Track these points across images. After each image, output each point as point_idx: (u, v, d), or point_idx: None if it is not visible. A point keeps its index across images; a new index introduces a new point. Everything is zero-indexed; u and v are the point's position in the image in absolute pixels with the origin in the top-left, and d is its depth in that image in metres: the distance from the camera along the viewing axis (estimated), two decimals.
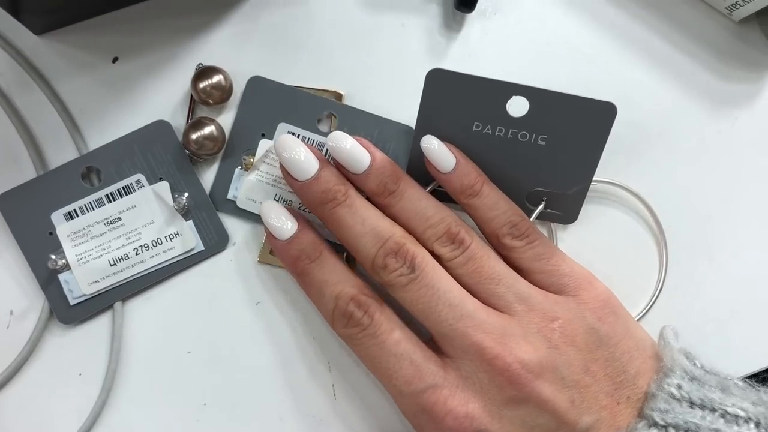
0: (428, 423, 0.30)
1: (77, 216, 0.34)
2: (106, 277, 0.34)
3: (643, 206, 0.36)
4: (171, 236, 0.34)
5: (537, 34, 0.37)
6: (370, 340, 0.31)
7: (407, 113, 0.36)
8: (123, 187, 0.34)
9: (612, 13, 0.37)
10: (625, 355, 0.31)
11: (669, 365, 0.31)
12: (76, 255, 0.34)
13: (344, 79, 0.36)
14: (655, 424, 0.29)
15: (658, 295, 0.36)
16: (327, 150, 0.33)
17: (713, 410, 0.30)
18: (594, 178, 0.34)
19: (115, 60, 0.36)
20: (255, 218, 0.35)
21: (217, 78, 0.35)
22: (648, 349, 0.32)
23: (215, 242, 0.35)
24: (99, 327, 0.35)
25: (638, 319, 0.36)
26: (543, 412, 0.30)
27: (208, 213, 0.35)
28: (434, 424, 0.30)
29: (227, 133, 0.35)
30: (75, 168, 0.34)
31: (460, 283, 0.31)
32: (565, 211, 0.35)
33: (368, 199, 0.33)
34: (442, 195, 0.34)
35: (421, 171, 0.34)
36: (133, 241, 0.34)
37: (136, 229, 0.34)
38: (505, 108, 0.32)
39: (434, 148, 0.33)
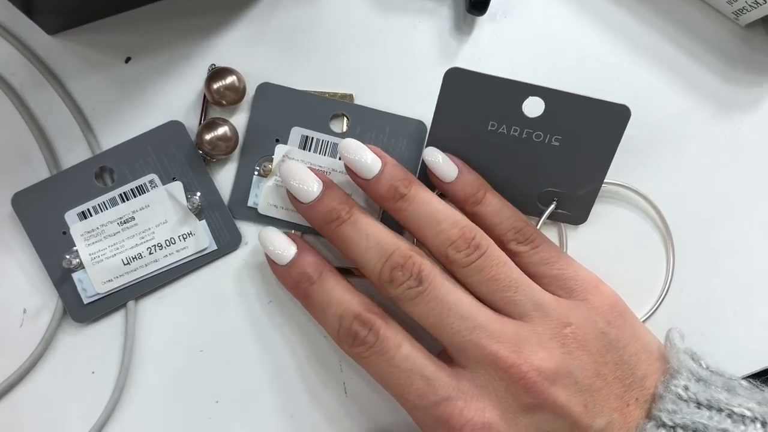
0: None
1: (91, 215, 0.34)
2: (120, 276, 0.34)
3: (650, 208, 0.37)
4: (184, 236, 0.35)
5: (547, 38, 0.38)
6: (378, 357, 0.30)
7: (418, 113, 0.36)
8: (136, 187, 0.35)
9: (620, 17, 0.38)
10: (633, 358, 0.32)
11: (675, 367, 0.31)
12: (90, 254, 0.34)
13: (355, 80, 0.37)
14: (664, 425, 0.30)
15: (665, 296, 0.36)
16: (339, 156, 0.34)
17: (720, 410, 0.30)
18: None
19: (127, 60, 0.36)
20: (275, 223, 0.35)
21: (230, 79, 0.35)
22: (654, 352, 0.33)
23: (228, 242, 0.35)
24: (112, 326, 0.35)
25: (645, 320, 0.36)
26: (558, 417, 0.30)
27: (221, 213, 0.35)
28: None
29: (240, 134, 0.36)
30: (88, 167, 0.35)
31: (474, 290, 0.31)
32: (576, 211, 0.35)
33: (380, 206, 0.34)
34: None
35: None
36: (147, 241, 0.34)
37: (149, 229, 0.34)
38: (521, 108, 0.33)
39: (438, 161, 0.33)
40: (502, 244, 0.33)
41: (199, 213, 0.35)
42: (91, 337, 0.35)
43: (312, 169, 0.33)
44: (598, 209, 0.36)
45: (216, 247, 0.35)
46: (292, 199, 0.33)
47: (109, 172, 0.35)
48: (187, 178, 0.35)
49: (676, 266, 0.37)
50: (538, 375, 0.30)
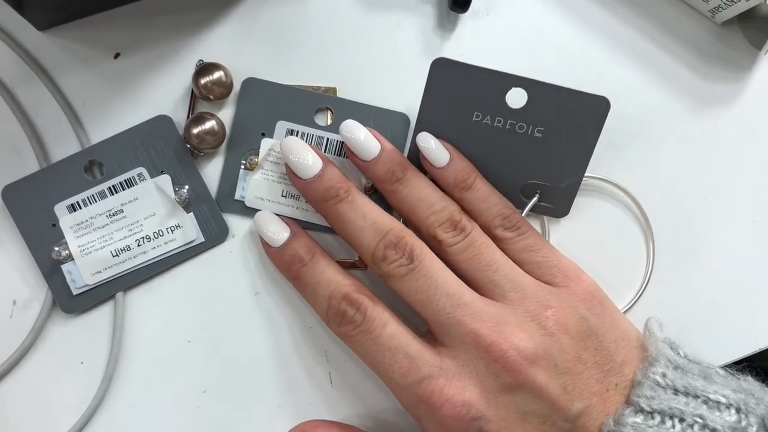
0: (427, 413, 0.31)
1: (80, 208, 0.35)
2: (109, 267, 0.35)
3: (630, 201, 0.37)
4: (172, 228, 0.35)
5: (527, 34, 0.38)
6: (364, 336, 0.31)
7: (401, 107, 0.37)
8: (125, 180, 0.35)
9: (600, 15, 0.39)
10: (612, 345, 0.32)
11: (654, 355, 0.32)
12: (79, 246, 0.35)
13: (340, 75, 0.37)
14: (642, 410, 0.31)
15: (645, 287, 0.37)
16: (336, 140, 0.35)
17: (696, 397, 0.31)
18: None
19: (116, 55, 0.37)
20: None
21: (218, 74, 0.35)
22: (633, 340, 0.33)
23: (215, 234, 0.36)
24: (101, 316, 0.36)
25: (625, 311, 0.37)
26: (537, 398, 0.31)
27: (209, 206, 0.36)
28: (432, 414, 0.31)
29: (227, 128, 0.36)
30: (78, 161, 0.35)
31: (458, 270, 0.33)
32: (558, 204, 0.36)
33: (374, 187, 0.35)
34: None
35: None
36: (135, 233, 0.35)
37: (137, 221, 0.35)
38: (504, 99, 0.33)
39: (431, 146, 0.34)
40: (488, 230, 0.34)
41: (186, 206, 0.35)
42: (80, 328, 0.35)
43: (311, 147, 0.34)
44: (579, 202, 0.37)
45: (203, 240, 0.36)
46: (291, 174, 0.34)
47: (98, 166, 0.36)
48: (175, 171, 0.36)
49: (656, 258, 0.38)
50: (518, 354, 0.30)
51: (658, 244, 0.38)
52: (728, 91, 0.39)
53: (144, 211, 0.35)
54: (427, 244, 0.33)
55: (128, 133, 0.36)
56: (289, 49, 0.37)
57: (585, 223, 0.38)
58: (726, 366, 0.35)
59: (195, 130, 0.35)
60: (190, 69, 0.37)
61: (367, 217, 0.33)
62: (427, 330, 0.33)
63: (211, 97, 0.36)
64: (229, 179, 0.36)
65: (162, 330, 0.36)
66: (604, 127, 0.34)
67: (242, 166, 0.36)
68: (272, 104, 0.36)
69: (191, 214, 0.36)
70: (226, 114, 0.37)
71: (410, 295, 0.32)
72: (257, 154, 0.36)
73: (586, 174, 0.35)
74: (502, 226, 0.34)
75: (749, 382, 0.32)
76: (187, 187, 0.35)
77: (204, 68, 0.36)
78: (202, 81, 0.35)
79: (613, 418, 0.31)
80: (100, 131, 0.36)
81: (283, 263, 0.34)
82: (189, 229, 0.35)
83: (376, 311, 0.32)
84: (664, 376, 0.31)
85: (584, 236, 0.37)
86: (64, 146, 0.36)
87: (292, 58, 0.37)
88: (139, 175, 0.35)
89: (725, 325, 0.38)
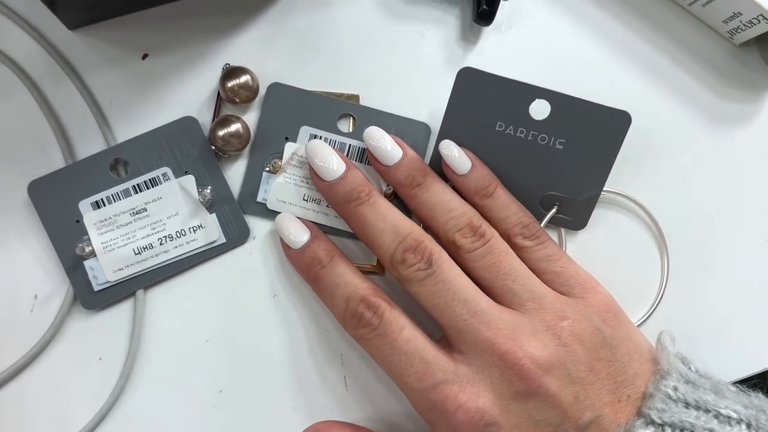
0: (440, 418, 0.31)
1: (104, 205, 0.35)
2: (130, 265, 0.35)
3: (646, 216, 0.38)
4: (194, 228, 0.36)
5: (548, 49, 0.39)
6: (380, 339, 0.32)
7: (423, 115, 0.37)
8: (150, 179, 0.36)
9: (620, 32, 0.39)
10: (626, 357, 0.33)
11: (666, 368, 0.33)
12: (102, 243, 0.35)
13: (363, 83, 0.38)
14: (653, 422, 0.31)
15: (659, 302, 0.38)
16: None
17: (707, 411, 0.31)
18: None
19: (144, 56, 0.37)
20: None
21: (244, 78, 0.36)
22: (646, 353, 0.34)
23: (236, 235, 0.36)
24: (121, 313, 0.36)
25: (639, 325, 0.37)
26: (549, 406, 0.31)
27: (231, 207, 0.36)
28: (446, 419, 0.31)
29: (251, 132, 0.37)
30: (104, 159, 0.36)
31: (475, 276, 0.33)
32: (576, 216, 0.37)
33: (395, 193, 0.36)
34: None
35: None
36: (158, 232, 0.35)
37: (160, 220, 0.35)
38: (528, 110, 0.34)
39: (453, 154, 0.35)
40: (508, 238, 0.34)
41: (209, 206, 0.36)
42: (99, 324, 0.36)
43: (336, 151, 0.34)
44: (595, 216, 0.37)
45: (225, 240, 0.36)
46: (314, 177, 0.34)
47: (123, 164, 0.36)
48: (199, 172, 0.36)
49: (670, 273, 0.38)
50: (532, 363, 0.31)
51: (673, 259, 0.38)
52: (745, 111, 0.39)
53: (167, 211, 0.36)
54: (446, 250, 0.33)
55: (154, 133, 0.36)
56: (315, 56, 0.38)
57: (601, 237, 0.38)
58: (737, 383, 0.35)
59: (220, 132, 0.36)
60: (216, 72, 0.37)
61: (387, 220, 0.33)
62: (442, 336, 0.34)
63: (237, 100, 0.36)
64: (252, 181, 0.37)
65: (180, 329, 0.36)
66: None
67: (265, 169, 0.37)
68: (296, 109, 0.37)
69: (213, 214, 0.36)
70: (251, 117, 0.37)
71: (427, 299, 0.32)
72: (280, 158, 0.36)
73: (604, 189, 0.36)
74: (522, 235, 0.34)
75: (760, 399, 0.33)
76: (210, 188, 0.36)
77: (231, 72, 0.36)
78: (229, 84, 0.36)
79: (624, 429, 0.31)
80: (126, 130, 0.37)
81: (302, 265, 0.35)
82: (211, 230, 0.36)
83: (393, 315, 0.32)
84: (675, 389, 0.32)
85: (600, 249, 0.38)
86: (90, 144, 0.36)
87: (317, 65, 0.38)
88: (164, 174, 0.36)
89: (737, 341, 0.38)
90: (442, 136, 0.35)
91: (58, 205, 0.35)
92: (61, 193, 0.35)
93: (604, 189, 0.36)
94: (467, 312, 0.32)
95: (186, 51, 0.37)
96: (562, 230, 0.37)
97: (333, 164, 0.34)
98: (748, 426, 0.31)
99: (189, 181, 0.36)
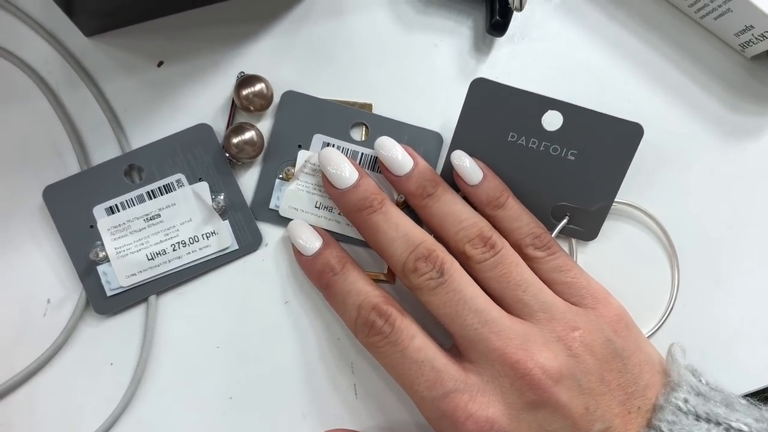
0: (450, 427, 0.31)
1: (118, 211, 0.36)
2: (143, 270, 0.35)
3: (657, 228, 0.38)
4: (207, 234, 0.36)
5: (561, 60, 0.39)
6: (391, 347, 0.32)
7: (435, 125, 0.38)
8: (164, 186, 0.36)
9: (633, 45, 0.39)
10: (636, 368, 0.33)
11: (676, 380, 0.32)
12: (116, 248, 0.35)
13: (376, 92, 0.38)
14: None
15: (669, 314, 0.38)
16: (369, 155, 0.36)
17: (718, 424, 0.31)
18: None
19: (160, 64, 0.38)
20: None
21: (259, 86, 0.36)
22: (657, 365, 0.34)
23: (249, 242, 0.36)
24: (133, 319, 0.36)
25: (649, 336, 0.37)
26: (559, 416, 0.31)
27: (244, 214, 0.36)
28: (456, 428, 0.31)
29: (265, 139, 0.37)
30: (118, 165, 0.36)
31: (486, 287, 0.33)
32: (587, 227, 0.37)
33: (405, 202, 0.36)
34: None
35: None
36: (171, 238, 0.36)
37: (174, 226, 0.36)
38: (540, 121, 0.34)
39: (465, 164, 0.35)
40: (519, 248, 0.34)
41: (222, 213, 0.36)
42: (111, 329, 0.36)
43: (349, 159, 0.35)
44: (606, 227, 0.37)
45: (237, 247, 0.36)
46: (327, 184, 0.35)
47: (137, 170, 0.36)
48: (213, 179, 0.36)
49: (681, 285, 0.38)
50: (543, 373, 0.31)
51: (683, 270, 0.38)
52: (756, 124, 0.39)
53: (181, 217, 0.36)
54: (457, 261, 0.33)
55: (168, 140, 0.36)
56: (329, 65, 0.38)
57: (612, 248, 0.38)
58: (749, 395, 0.35)
59: (234, 140, 0.36)
60: (231, 80, 0.37)
61: (399, 228, 0.33)
62: (452, 345, 0.34)
63: (252, 108, 0.36)
64: (265, 189, 0.37)
65: (192, 335, 0.36)
66: None
67: (278, 177, 0.37)
68: (310, 117, 0.37)
69: (226, 221, 0.36)
70: (265, 125, 0.37)
71: (438, 308, 0.32)
72: (293, 165, 0.37)
73: (615, 200, 0.36)
74: (533, 245, 0.34)
75: None
76: (223, 194, 0.36)
77: (246, 80, 0.36)
78: (244, 92, 0.36)
79: None
80: (141, 137, 0.37)
81: (314, 272, 0.35)
82: (224, 236, 0.36)
83: (404, 323, 0.32)
84: (686, 401, 0.31)
85: (611, 260, 0.38)
86: (105, 150, 0.37)
87: (331, 74, 0.38)
88: (178, 181, 0.36)
89: (748, 354, 0.38)
90: (454, 146, 0.35)
91: (72, 211, 0.35)
92: (75, 199, 0.35)
93: (615, 200, 0.36)
94: (478, 321, 0.32)
95: (201, 59, 0.38)
96: (573, 241, 0.38)
97: (345, 172, 0.34)
98: None
99: (203, 187, 0.36)
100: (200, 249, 0.36)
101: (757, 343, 0.38)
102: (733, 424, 0.31)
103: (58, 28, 0.37)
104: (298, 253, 0.35)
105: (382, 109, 0.38)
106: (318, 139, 0.37)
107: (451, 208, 0.34)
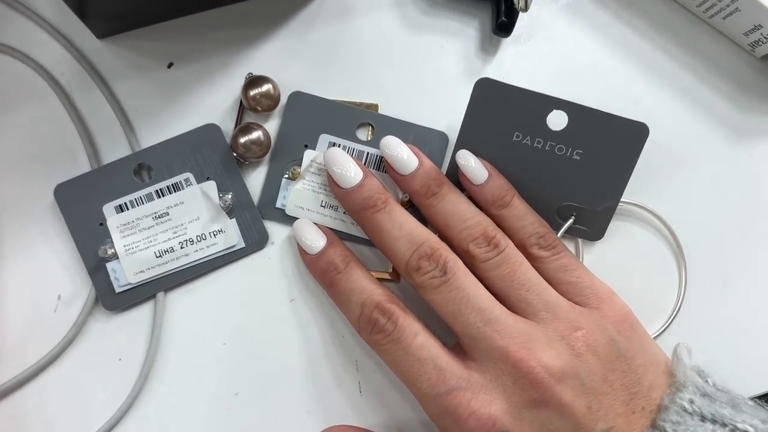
0: (452, 425, 0.31)
1: (127, 209, 0.36)
2: (151, 268, 0.36)
3: (664, 228, 0.38)
4: (215, 232, 0.36)
5: (567, 61, 0.39)
6: (394, 345, 0.32)
7: (441, 125, 0.38)
8: (172, 184, 0.36)
9: (640, 45, 0.39)
10: (641, 368, 0.33)
11: (681, 381, 0.32)
12: (125, 245, 0.36)
13: (382, 92, 0.39)
14: None
15: (676, 314, 0.37)
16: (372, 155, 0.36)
17: (723, 425, 0.31)
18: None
19: (170, 65, 0.38)
20: None
21: (266, 87, 0.37)
22: (662, 365, 0.34)
23: (255, 240, 0.37)
24: (141, 315, 0.37)
25: (655, 337, 0.37)
26: (561, 416, 0.31)
27: (251, 213, 0.37)
28: (458, 426, 0.31)
29: (272, 139, 0.37)
30: (128, 164, 0.36)
31: (490, 286, 0.33)
32: (593, 227, 0.37)
33: (410, 201, 0.36)
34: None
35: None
36: (179, 236, 0.36)
37: (182, 224, 0.36)
38: (545, 121, 0.34)
39: (470, 164, 0.35)
40: (524, 248, 0.34)
41: (230, 212, 0.37)
42: (120, 326, 0.36)
43: (353, 159, 0.35)
44: (613, 227, 0.37)
45: (244, 245, 0.37)
46: (332, 184, 0.35)
47: (147, 169, 0.37)
48: (221, 178, 0.37)
49: (688, 286, 0.38)
50: (546, 372, 0.31)
51: (690, 271, 0.38)
52: (765, 124, 0.39)
53: (189, 215, 0.36)
54: (461, 260, 0.33)
55: (177, 140, 0.37)
56: (335, 66, 0.39)
57: (618, 248, 0.38)
58: (756, 398, 0.35)
59: (242, 140, 0.36)
60: (239, 81, 0.38)
61: (403, 227, 0.33)
62: (456, 343, 0.34)
63: (259, 108, 0.37)
64: (272, 188, 0.37)
65: (199, 331, 0.37)
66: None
67: (285, 176, 0.37)
68: (316, 118, 0.38)
69: (234, 220, 0.37)
70: (272, 125, 0.38)
71: (441, 306, 0.32)
72: (299, 165, 0.37)
73: (621, 199, 0.36)
74: (538, 245, 0.34)
75: None
76: (231, 193, 0.37)
77: (253, 81, 0.37)
78: (251, 93, 0.37)
79: None
80: (151, 137, 0.38)
81: (318, 270, 0.35)
82: (231, 235, 0.36)
83: (407, 321, 0.32)
84: (691, 402, 0.31)
85: (617, 260, 0.38)
86: (115, 149, 0.37)
87: (338, 74, 0.39)
88: (186, 180, 0.36)
89: (755, 355, 0.38)
90: (459, 146, 0.36)
91: (82, 208, 0.36)
92: (86, 197, 0.36)
93: (621, 200, 0.36)
94: (481, 320, 0.32)
95: (210, 60, 0.38)
96: (579, 241, 0.37)
97: (350, 172, 0.34)
98: None
99: (210, 186, 0.37)
100: (207, 247, 0.36)
101: (765, 344, 0.38)
102: (739, 425, 0.31)
103: (71, 30, 0.38)
104: (302, 252, 0.36)
105: (388, 109, 0.38)
106: (324, 139, 0.37)
107: (456, 207, 0.34)
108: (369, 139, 0.38)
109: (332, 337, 0.37)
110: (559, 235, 0.36)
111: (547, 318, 0.32)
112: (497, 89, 0.34)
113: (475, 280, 0.33)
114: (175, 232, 0.36)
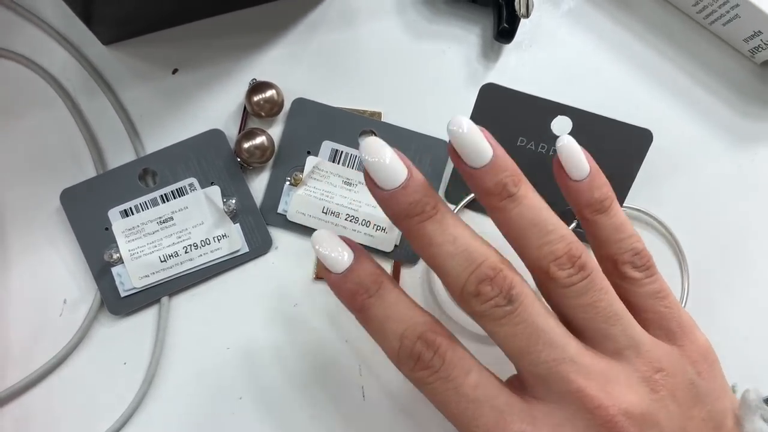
0: None
1: (132, 214, 0.36)
2: (156, 272, 0.36)
3: (666, 233, 0.38)
4: (219, 237, 0.37)
5: (569, 67, 0.40)
6: (443, 384, 0.27)
7: (443, 133, 0.38)
8: (177, 189, 0.37)
9: (642, 51, 0.40)
10: (719, 415, 0.29)
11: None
12: (129, 250, 0.36)
13: (385, 100, 0.39)
14: None
15: None
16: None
17: None
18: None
19: (174, 71, 0.39)
20: (301, 229, 0.37)
21: (270, 92, 0.37)
22: (731, 406, 0.30)
23: (259, 245, 0.37)
24: (146, 320, 0.37)
25: None
26: None
27: (255, 217, 0.37)
28: None
29: (276, 145, 0.38)
30: (133, 169, 0.37)
31: (568, 314, 0.29)
32: None
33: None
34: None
35: (464, 182, 0.36)
36: (183, 240, 0.36)
37: (186, 229, 0.36)
38: (549, 126, 0.35)
39: (573, 152, 0.30)
40: (615, 264, 0.30)
41: (234, 217, 0.37)
42: (125, 330, 0.37)
43: (395, 151, 0.28)
44: None
45: (248, 250, 0.37)
46: (369, 182, 0.28)
47: (151, 174, 0.37)
48: (225, 183, 0.37)
49: (690, 291, 0.38)
50: (627, 419, 0.27)
51: (693, 277, 0.38)
52: (766, 129, 0.39)
53: (193, 220, 0.37)
54: (534, 275, 0.29)
55: (182, 145, 0.37)
56: (338, 73, 0.39)
57: None
58: None
59: (246, 145, 0.37)
60: (243, 87, 0.38)
61: (458, 241, 0.27)
62: (513, 375, 0.30)
63: (263, 114, 0.37)
64: (274, 193, 0.38)
65: (203, 336, 0.37)
66: None
67: (287, 182, 0.38)
68: (319, 124, 0.38)
69: (237, 224, 0.37)
70: (276, 131, 0.38)
71: (505, 340, 0.27)
72: (302, 171, 0.37)
73: (623, 205, 0.36)
74: (632, 264, 0.30)
75: None
76: (235, 198, 0.37)
77: (257, 86, 0.37)
78: (255, 98, 0.37)
79: None
80: (155, 142, 0.38)
81: (345, 292, 0.29)
82: (235, 239, 0.37)
83: (456, 355, 0.27)
84: None
85: None
86: (120, 154, 0.38)
87: (341, 82, 0.39)
88: (190, 185, 0.37)
89: (758, 362, 0.38)
90: None
91: (88, 213, 0.36)
92: (91, 202, 0.36)
93: (624, 206, 0.36)
94: (553, 358, 0.27)
95: (214, 67, 0.39)
96: None
97: (390, 165, 0.27)
98: None
99: (214, 191, 0.37)
100: (212, 251, 0.37)
101: (767, 349, 0.38)
102: None
103: (77, 37, 0.38)
104: (324, 270, 0.29)
105: (391, 117, 0.38)
106: (327, 145, 0.38)
107: (536, 214, 0.28)
108: None
109: (335, 342, 0.37)
110: None
111: (630, 356, 0.28)
112: (502, 95, 0.34)
113: (546, 308, 0.28)
114: (180, 237, 0.36)
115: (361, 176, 0.37)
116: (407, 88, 0.39)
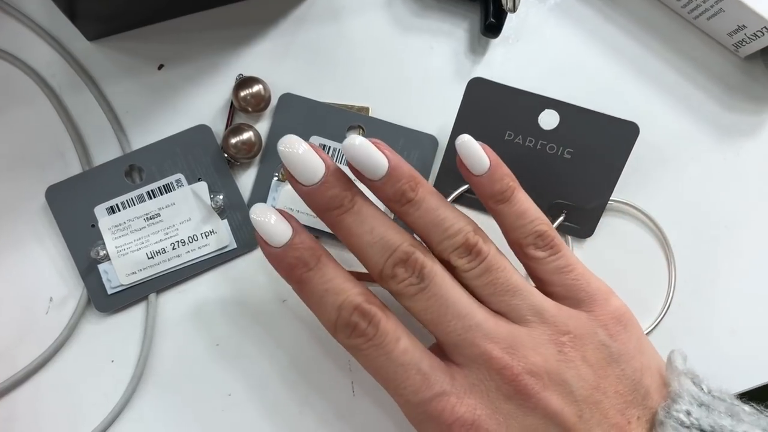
0: (435, 430, 0.30)
1: (119, 210, 0.36)
2: (143, 269, 0.36)
3: (653, 226, 0.38)
4: (206, 233, 0.36)
5: (556, 62, 0.40)
6: (376, 350, 0.30)
7: (431, 127, 0.38)
8: (163, 186, 0.36)
9: (628, 45, 0.40)
10: (636, 373, 0.31)
11: (677, 390, 0.31)
12: (116, 247, 0.36)
13: (373, 94, 0.39)
14: None
15: (665, 313, 0.38)
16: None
17: None
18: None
19: (160, 67, 0.38)
20: None
21: (257, 88, 0.37)
22: (658, 369, 0.32)
23: (247, 241, 0.37)
24: (133, 317, 0.37)
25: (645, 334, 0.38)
26: (550, 423, 0.30)
27: (242, 213, 0.37)
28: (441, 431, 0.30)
29: (263, 140, 0.38)
30: (119, 165, 0.37)
31: (475, 294, 0.31)
32: (583, 225, 0.37)
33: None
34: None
35: (452, 176, 0.36)
36: (171, 237, 0.36)
37: (173, 226, 0.36)
38: (536, 120, 0.35)
39: (471, 152, 0.32)
40: (520, 247, 0.33)
41: (221, 212, 0.37)
42: (112, 327, 0.36)
43: (313, 147, 0.30)
44: (602, 225, 0.38)
45: (236, 246, 0.37)
46: (290, 179, 0.31)
47: (138, 171, 0.37)
48: (212, 179, 0.37)
49: (677, 284, 0.38)
50: (531, 377, 0.30)
51: (680, 269, 0.38)
52: (751, 123, 0.40)
53: (180, 216, 0.36)
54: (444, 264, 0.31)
55: (168, 141, 0.37)
56: (326, 68, 0.39)
57: (608, 246, 0.38)
58: (743, 393, 0.35)
59: (233, 140, 0.36)
60: (230, 82, 0.38)
61: (374, 231, 0.30)
62: (434, 343, 0.33)
63: (250, 109, 0.37)
64: (262, 189, 0.37)
65: (191, 332, 0.37)
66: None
67: (275, 177, 0.37)
68: (307, 119, 0.38)
69: (225, 220, 0.37)
70: (263, 126, 0.38)
71: (420, 314, 0.31)
72: None
73: (610, 197, 0.36)
74: (534, 245, 0.32)
75: None
76: (222, 194, 0.37)
77: (244, 81, 0.37)
78: (242, 93, 0.37)
79: None
80: (142, 138, 0.38)
81: (284, 265, 0.31)
82: (222, 235, 0.37)
83: (389, 324, 0.30)
84: (688, 414, 0.30)
85: (606, 258, 0.38)
86: (106, 151, 0.37)
87: (328, 77, 0.39)
88: (177, 181, 0.37)
89: (744, 353, 0.38)
90: (450, 146, 0.36)
91: (74, 210, 0.36)
92: (77, 199, 0.36)
93: (611, 198, 0.37)
94: (462, 326, 0.30)
95: (200, 62, 0.38)
96: (570, 238, 0.38)
97: (307, 160, 0.30)
98: None
99: (202, 187, 0.37)
100: (199, 248, 0.36)
101: (754, 341, 0.38)
102: None
103: (62, 32, 0.38)
104: (263, 243, 0.30)
105: (378, 112, 0.38)
106: (315, 140, 0.38)
107: (434, 215, 0.31)
108: None
109: (324, 337, 0.37)
110: None
111: (533, 322, 0.31)
112: (489, 89, 0.35)
113: (455, 283, 0.31)
114: (167, 233, 0.36)
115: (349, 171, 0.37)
116: (395, 83, 0.39)
